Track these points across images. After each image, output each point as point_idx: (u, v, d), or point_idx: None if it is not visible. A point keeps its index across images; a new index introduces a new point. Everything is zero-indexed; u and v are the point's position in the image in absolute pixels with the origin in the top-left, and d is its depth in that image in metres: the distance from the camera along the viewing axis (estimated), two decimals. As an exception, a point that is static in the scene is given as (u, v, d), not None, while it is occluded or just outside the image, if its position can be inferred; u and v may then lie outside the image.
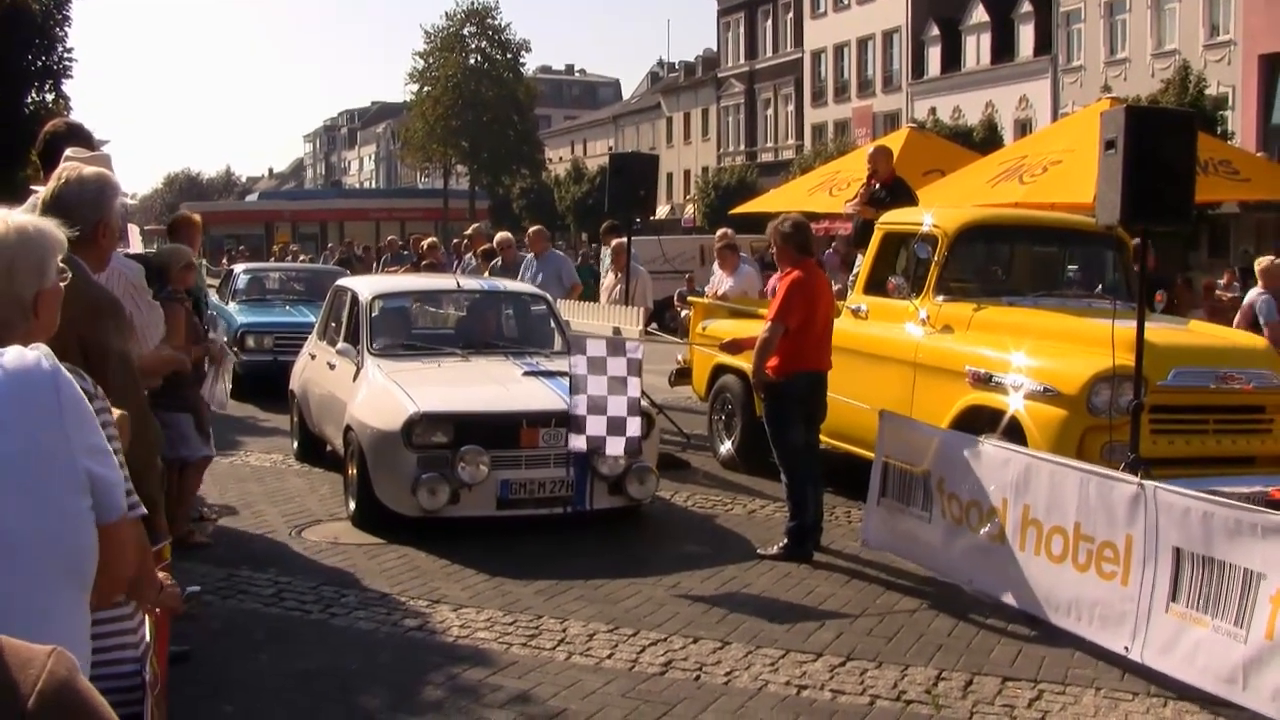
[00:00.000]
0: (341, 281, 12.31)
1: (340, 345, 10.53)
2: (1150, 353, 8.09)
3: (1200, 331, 9.72)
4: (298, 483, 11.06)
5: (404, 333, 11.19)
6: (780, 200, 25.04)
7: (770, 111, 62.50)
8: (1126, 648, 6.43)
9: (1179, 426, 8.46)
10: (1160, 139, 8.03)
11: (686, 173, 68.16)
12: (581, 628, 7.06)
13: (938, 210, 11.01)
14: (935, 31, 50.97)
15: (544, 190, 69.41)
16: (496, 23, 68.80)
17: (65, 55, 27.10)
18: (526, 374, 9.74)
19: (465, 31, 68.60)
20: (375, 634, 7.04)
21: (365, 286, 11.25)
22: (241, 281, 19.17)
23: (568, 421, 8.46)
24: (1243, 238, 35.47)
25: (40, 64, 26.60)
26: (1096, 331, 8.55)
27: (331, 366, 10.71)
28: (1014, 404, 8.55)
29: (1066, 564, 6.88)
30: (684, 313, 15.15)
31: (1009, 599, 7.29)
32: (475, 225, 19.56)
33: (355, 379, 9.92)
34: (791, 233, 8.94)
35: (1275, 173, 20.65)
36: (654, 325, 15.83)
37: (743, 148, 63.52)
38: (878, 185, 12.85)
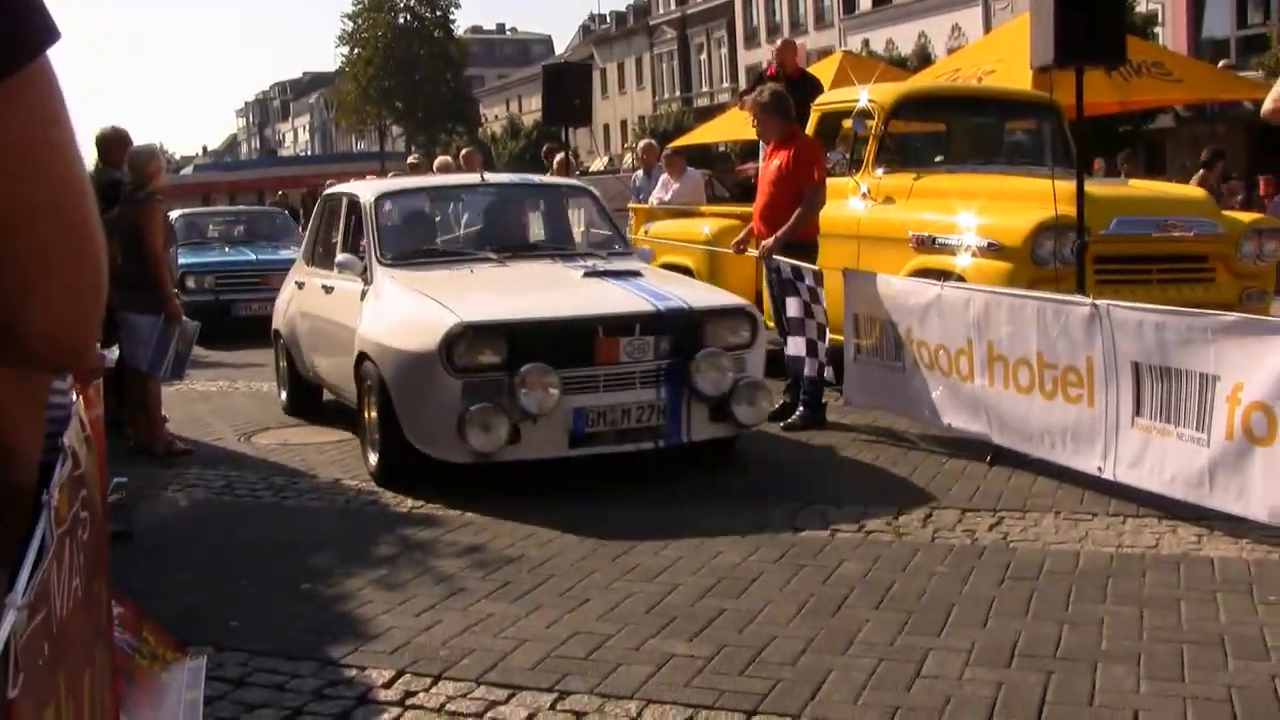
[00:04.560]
0: (331, 190, 10.06)
1: (340, 257, 8.33)
2: (1091, 203, 8.10)
3: (1140, 185, 9.76)
4: (245, 401, 10.91)
5: (421, 237, 9.06)
6: (718, 131, 25.00)
7: (704, 56, 62.23)
8: (1100, 468, 6.45)
9: (1123, 276, 8.47)
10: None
11: (623, 123, 67.84)
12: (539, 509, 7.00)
13: (874, 86, 10.96)
14: (865, -35, 50.87)
15: (481, 148, 68.90)
16: (423, -20, 68.27)
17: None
18: (588, 275, 7.80)
19: (392, -9, 68.04)
20: (327, 511, 6.97)
21: (365, 188, 9.12)
22: (179, 227, 18.88)
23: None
24: (1180, 152, 35.67)
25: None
26: (1037, 189, 8.57)
27: (327, 290, 8.70)
28: (960, 263, 8.53)
29: (1034, 394, 6.88)
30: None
31: (987, 435, 7.28)
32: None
33: (364, 297, 7.86)
34: (771, 101, 8.89)
35: (1208, 74, 20.72)
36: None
37: (678, 94, 63.28)
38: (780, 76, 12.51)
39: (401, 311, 7.38)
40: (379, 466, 7.37)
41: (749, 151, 26.09)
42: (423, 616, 5.05)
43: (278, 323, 10.04)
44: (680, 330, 7.13)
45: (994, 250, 8.35)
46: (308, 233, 9.97)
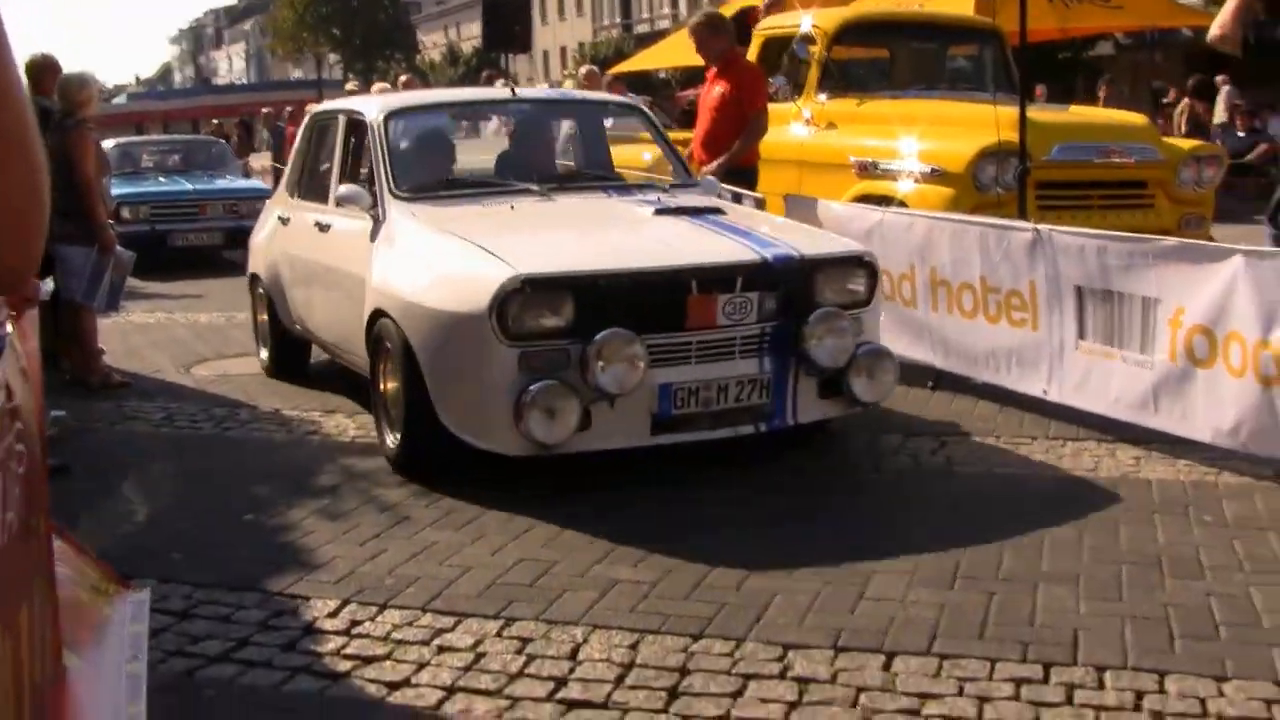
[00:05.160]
0: (323, 108, 8.63)
1: (342, 189, 6.88)
2: (1033, 129, 8.09)
3: (1081, 111, 9.80)
4: (184, 333, 10.78)
5: (442, 164, 7.65)
6: (659, 57, 24.84)
7: (645, -18, 61.85)
8: (1045, 390, 6.51)
9: (1064, 202, 8.51)
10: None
11: (563, 49, 67.37)
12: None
13: (817, 11, 10.89)
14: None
15: (420, 75, 68.26)
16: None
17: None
18: (660, 214, 6.39)
19: (328, -85, 66.94)
20: (270, 441, 6.90)
21: (370, 105, 7.45)
22: (113, 156, 18.57)
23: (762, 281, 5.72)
24: (1120, 79, 35.74)
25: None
26: (979, 114, 8.55)
27: (322, 228, 7.25)
28: (902, 188, 8.53)
29: (979, 318, 6.91)
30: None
31: (931, 361, 7.31)
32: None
33: (375, 238, 6.48)
34: (704, 22, 8.84)
35: (1148, 1, 20.78)
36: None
37: (618, 20, 62.83)
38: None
39: (432, 259, 5.99)
40: (400, 452, 5.99)
41: (690, 78, 25.95)
42: (367, 545, 5.04)
43: (255, 266, 8.55)
44: (790, 285, 5.78)
45: (936, 176, 8.36)
46: (292, 159, 8.55)
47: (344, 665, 3.93)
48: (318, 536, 5.17)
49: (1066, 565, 4.63)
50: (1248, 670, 3.72)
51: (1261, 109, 17.96)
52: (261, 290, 8.42)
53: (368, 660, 3.96)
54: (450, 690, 3.73)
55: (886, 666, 3.80)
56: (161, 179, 17.04)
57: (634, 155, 10.98)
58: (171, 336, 10.54)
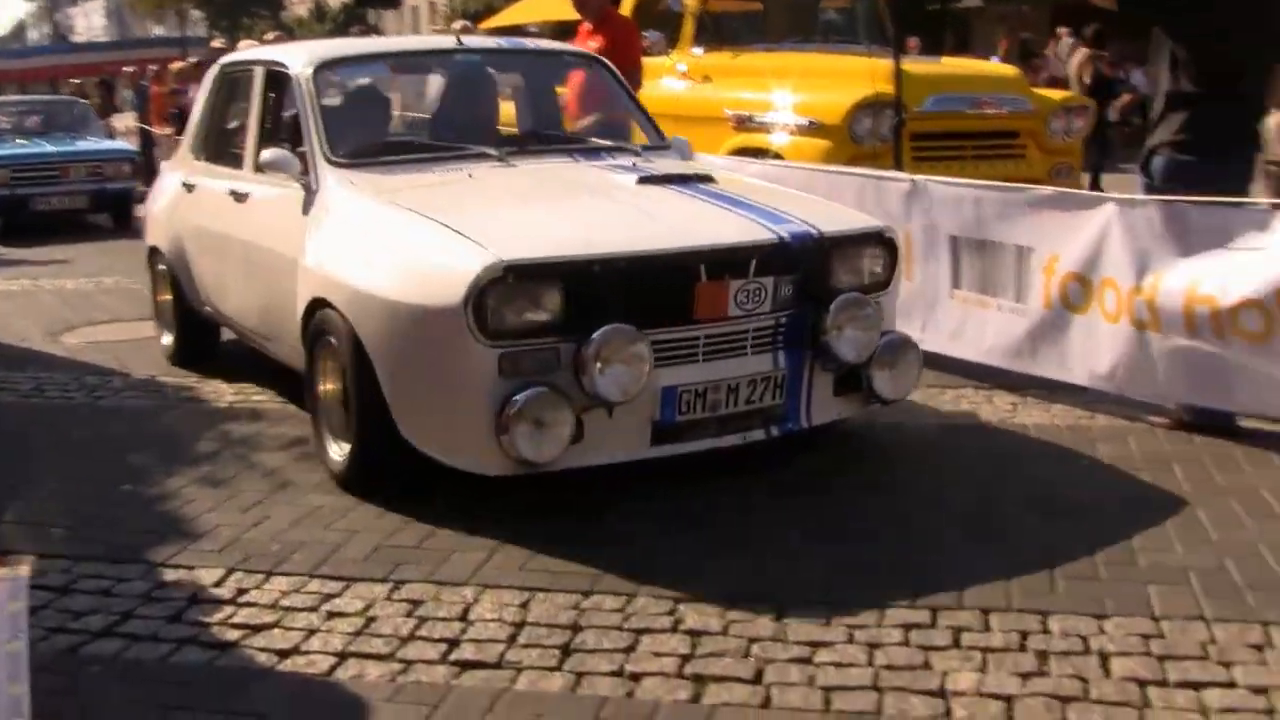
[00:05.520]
0: (234, 58, 7.59)
1: (266, 154, 5.89)
2: (908, 81, 8.17)
3: (954, 63, 9.92)
4: (51, 300, 10.49)
5: (383, 125, 6.83)
6: (530, 11, 24.66)
7: (514, -65, 61.21)
8: (920, 339, 6.57)
9: (938, 153, 8.61)
10: None
11: (432, 4, 66.48)
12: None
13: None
14: None
15: (287, 32, 66.97)
16: None
17: None
18: (644, 182, 5.51)
19: None
20: (143, 408, 6.74)
21: (294, 55, 6.37)
22: (-33, 118, 17.99)
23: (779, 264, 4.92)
24: (987, 30, 36.20)
25: None
26: (854, 67, 8.65)
27: (238, 198, 6.40)
28: (778, 141, 8.58)
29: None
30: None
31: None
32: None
33: (307, 210, 5.62)
34: None
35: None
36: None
37: (489, -26, 62.20)
38: None
39: (387, 240, 5.07)
40: (349, 467, 5.11)
41: (563, 33, 25.80)
42: (250, 512, 4.95)
43: (155, 238, 7.68)
44: (809, 267, 5.00)
45: (812, 128, 8.41)
46: (198, 118, 7.49)
47: (232, 634, 3.87)
48: (199, 504, 5.07)
49: (950, 511, 4.72)
50: (1127, 608, 3.82)
51: (1125, 61, 18.27)
52: (163, 266, 7.55)
53: (256, 629, 3.89)
54: (342, 656, 3.68)
55: (778, 618, 3.83)
56: (21, 141, 16.53)
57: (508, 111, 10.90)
58: (38, 304, 10.26)
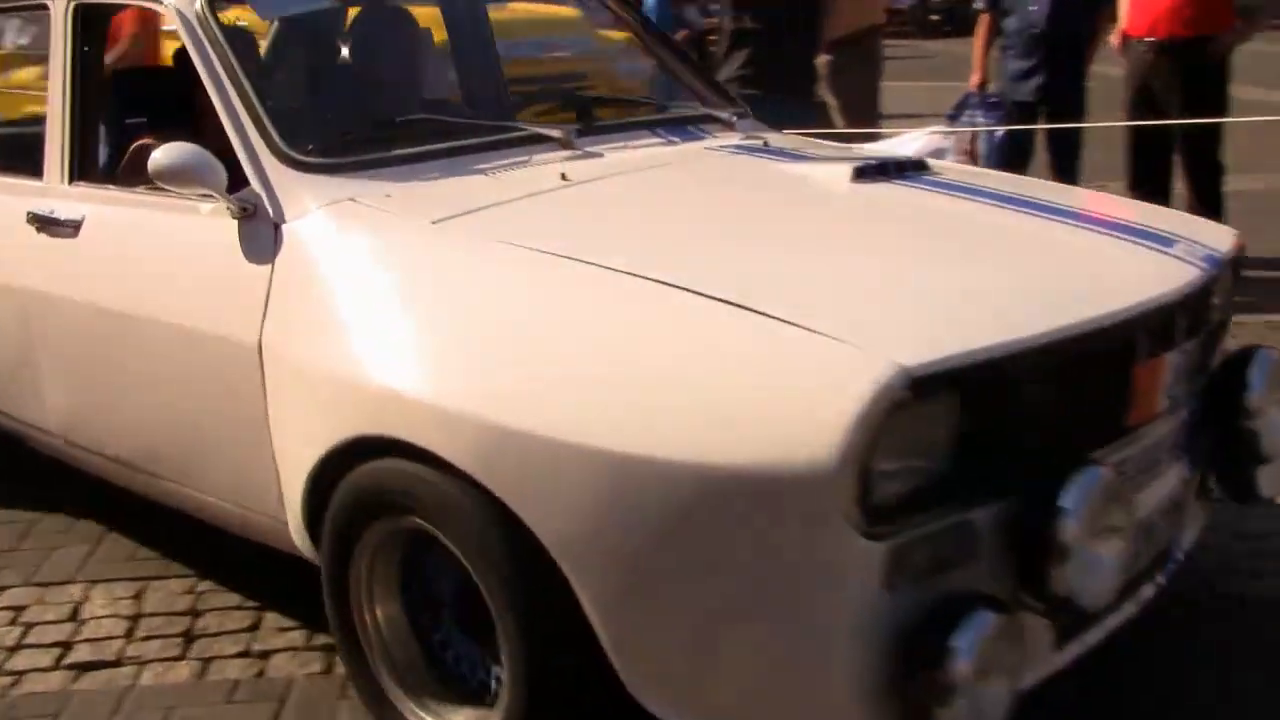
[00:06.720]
0: None
1: (164, 156, 2.98)
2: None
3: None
4: None
5: (363, 94, 4.06)
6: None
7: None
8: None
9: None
10: None
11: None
12: None
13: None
14: None
15: None
16: None
17: None
18: (861, 177, 3.26)
19: None
20: None
21: None
22: None
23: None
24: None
25: None
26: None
27: (51, 227, 3.64)
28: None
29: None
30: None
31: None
32: None
33: (266, 255, 2.98)
34: None
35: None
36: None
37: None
38: None
39: (544, 323, 2.53)
40: None
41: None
42: None
43: None
44: (1207, 318, 2.94)
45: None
46: None
47: None
48: None
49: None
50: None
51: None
52: None
53: None
54: (-58, 676, 3.46)
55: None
56: None
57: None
58: None
